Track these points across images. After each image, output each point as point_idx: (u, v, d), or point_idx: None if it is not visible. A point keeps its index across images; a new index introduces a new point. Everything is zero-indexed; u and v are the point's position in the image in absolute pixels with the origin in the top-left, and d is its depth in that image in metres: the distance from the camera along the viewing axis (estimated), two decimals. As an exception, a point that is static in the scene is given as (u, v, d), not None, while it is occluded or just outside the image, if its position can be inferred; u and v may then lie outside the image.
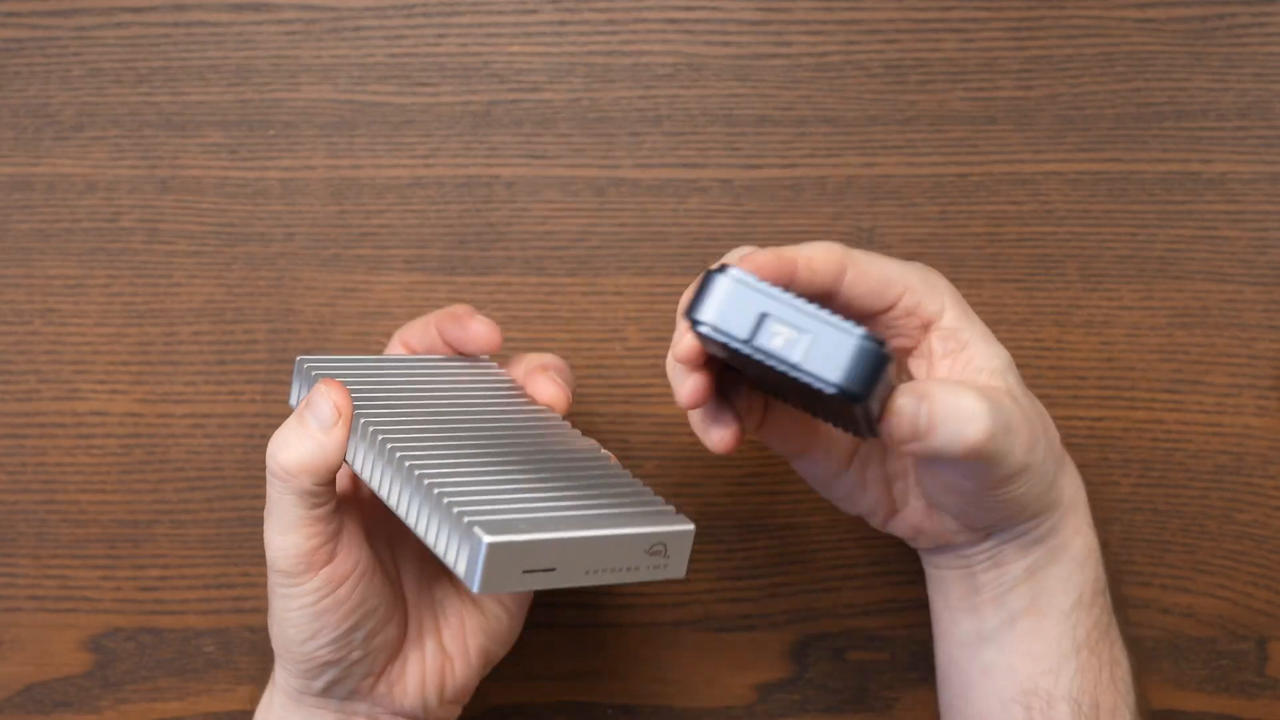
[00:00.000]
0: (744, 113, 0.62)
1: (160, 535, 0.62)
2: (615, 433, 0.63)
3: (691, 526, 0.45)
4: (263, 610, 0.61)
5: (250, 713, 0.56)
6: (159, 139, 0.62)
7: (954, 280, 0.62)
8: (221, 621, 0.62)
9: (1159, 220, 0.62)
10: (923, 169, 0.62)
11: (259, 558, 0.62)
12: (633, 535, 0.44)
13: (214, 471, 0.62)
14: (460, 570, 0.43)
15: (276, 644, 0.49)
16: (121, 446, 0.62)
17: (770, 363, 0.40)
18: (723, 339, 0.41)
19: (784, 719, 0.63)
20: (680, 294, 0.62)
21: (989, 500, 0.47)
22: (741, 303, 0.40)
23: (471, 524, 0.42)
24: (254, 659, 0.62)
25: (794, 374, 0.40)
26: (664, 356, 0.62)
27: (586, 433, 0.63)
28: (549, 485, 0.47)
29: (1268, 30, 0.62)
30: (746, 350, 0.40)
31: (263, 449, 0.62)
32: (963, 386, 0.44)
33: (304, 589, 0.47)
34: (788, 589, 0.63)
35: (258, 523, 0.62)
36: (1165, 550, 0.62)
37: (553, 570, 0.43)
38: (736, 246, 0.50)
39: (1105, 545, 0.53)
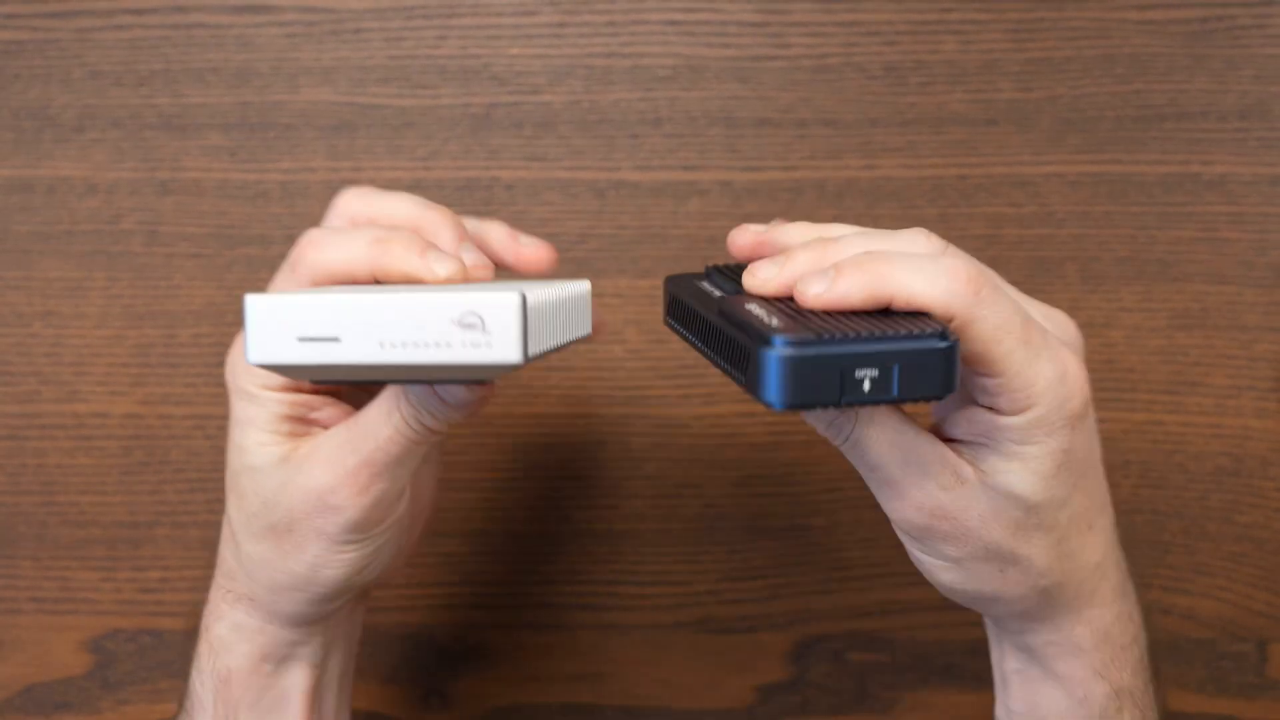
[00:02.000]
0: (744, 115, 0.62)
1: (160, 537, 0.62)
2: (615, 434, 0.63)
3: (516, 295, 0.38)
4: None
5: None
6: (159, 141, 0.62)
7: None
8: (222, 623, 0.62)
9: (1159, 222, 0.62)
10: (922, 171, 0.62)
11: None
12: (430, 299, 0.38)
13: (214, 473, 0.62)
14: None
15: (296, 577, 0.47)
16: (122, 448, 0.62)
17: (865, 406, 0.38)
18: (809, 411, 0.38)
19: (784, 720, 0.63)
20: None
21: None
22: (814, 370, 0.37)
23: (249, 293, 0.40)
24: (254, 661, 0.62)
25: (887, 402, 0.38)
26: (664, 357, 0.62)
27: (587, 433, 0.63)
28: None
29: (1268, 32, 0.62)
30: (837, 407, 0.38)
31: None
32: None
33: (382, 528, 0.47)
34: (788, 591, 0.63)
35: (258, 524, 0.62)
36: (1165, 552, 0.62)
37: (336, 340, 0.38)
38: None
39: (1125, 691, 0.46)
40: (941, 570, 0.44)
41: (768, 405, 0.37)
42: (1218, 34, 0.62)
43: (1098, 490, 0.44)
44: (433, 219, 0.47)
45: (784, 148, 0.62)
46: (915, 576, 0.63)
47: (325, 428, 0.47)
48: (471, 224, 0.49)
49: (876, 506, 0.63)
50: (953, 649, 0.63)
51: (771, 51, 0.62)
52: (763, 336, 0.37)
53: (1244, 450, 0.62)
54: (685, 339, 0.45)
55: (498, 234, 0.49)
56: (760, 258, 0.44)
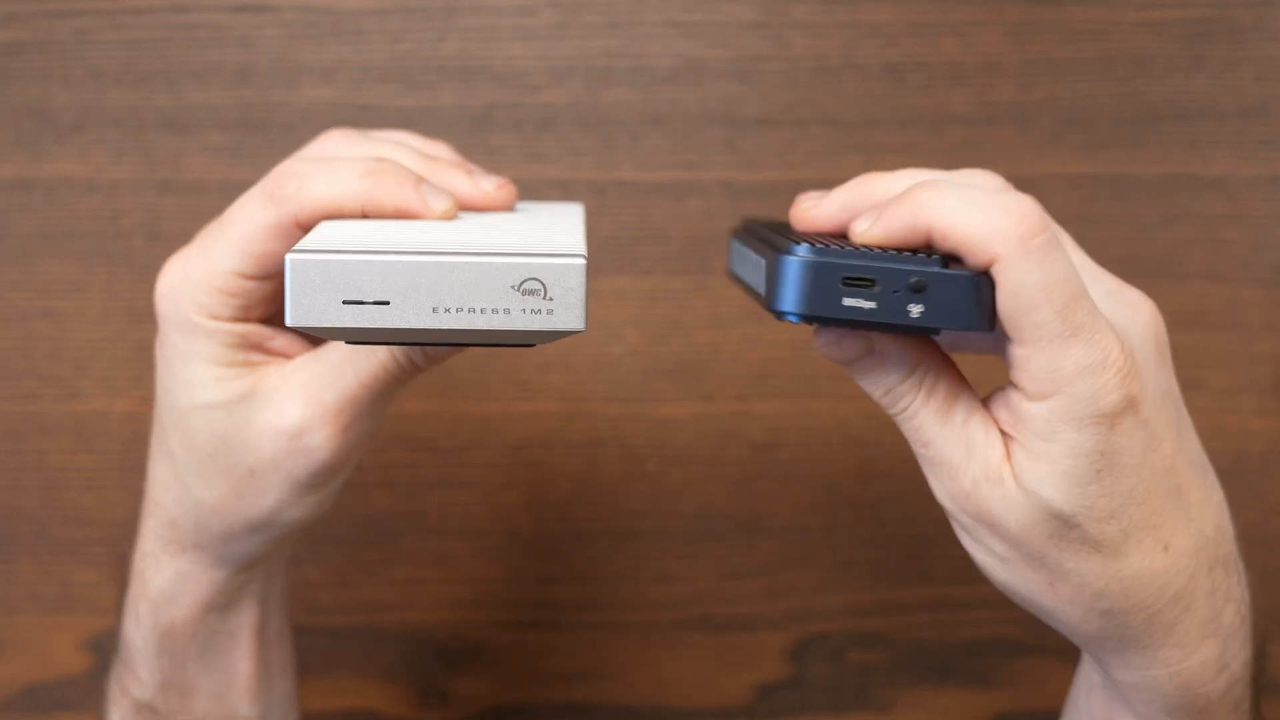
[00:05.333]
0: (744, 114, 0.62)
1: (161, 536, 0.62)
2: (615, 433, 0.63)
3: (580, 260, 0.36)
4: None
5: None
6: (159, 140, 0.62)
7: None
8: (222, 622, 0.62)
9: (1159, 221, 0.62)
10: (922, 170, 0.62)
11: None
12: (489, 264, 0.36)
13: (214, 472, 0.62)
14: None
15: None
16: (122, 447, 0.62)
17: (864, 326, 0.37)
18: (813, 321, 0.38)
19: (784, 719, 0.63)
20: (680, 295, 0.62)
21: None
22: (818, 276, 0.37)
23: (292, 250, 0.36)
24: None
25: (896, 329, 0.37)
26: (663, 357, 0.62)
27: (587, 433, 0.63)
28: (438, 229, 0.40)
29: (1267, 32, 0.62)
30: (837, 322, 0.37)
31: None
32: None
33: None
34: (787, 589, 0.63)
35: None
36: (1164, 551, 0.62)
37: (386, 304, 0.36)
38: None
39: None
40: (992, 568, 0.39)
41: (780, 315, 0.37)
42: (1217, 34, 0.62)
43: (1168, 504, 0.38)
44: (432, 150, 0.44)
45: (784, 147, 0.62)
46: (915, 576, 0.63)
47: (285, 358, 0.43)
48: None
49: (875, 506, 0.63)
50: (952, 648, 0.63)
51: (771, 51, 0.62)
52: (786, 246, 0.37)
53: (1244, 450, 0.62)
54: (736, 279, 0.44)
55: (460, 184, 0.45)
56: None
